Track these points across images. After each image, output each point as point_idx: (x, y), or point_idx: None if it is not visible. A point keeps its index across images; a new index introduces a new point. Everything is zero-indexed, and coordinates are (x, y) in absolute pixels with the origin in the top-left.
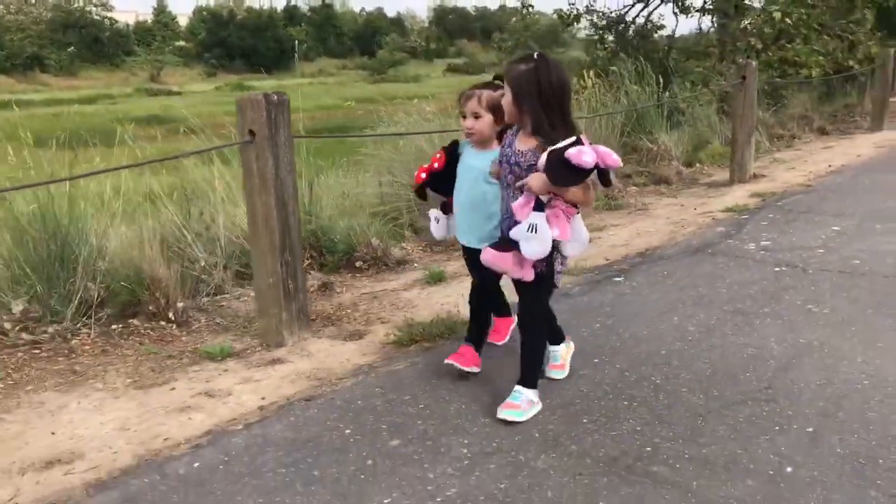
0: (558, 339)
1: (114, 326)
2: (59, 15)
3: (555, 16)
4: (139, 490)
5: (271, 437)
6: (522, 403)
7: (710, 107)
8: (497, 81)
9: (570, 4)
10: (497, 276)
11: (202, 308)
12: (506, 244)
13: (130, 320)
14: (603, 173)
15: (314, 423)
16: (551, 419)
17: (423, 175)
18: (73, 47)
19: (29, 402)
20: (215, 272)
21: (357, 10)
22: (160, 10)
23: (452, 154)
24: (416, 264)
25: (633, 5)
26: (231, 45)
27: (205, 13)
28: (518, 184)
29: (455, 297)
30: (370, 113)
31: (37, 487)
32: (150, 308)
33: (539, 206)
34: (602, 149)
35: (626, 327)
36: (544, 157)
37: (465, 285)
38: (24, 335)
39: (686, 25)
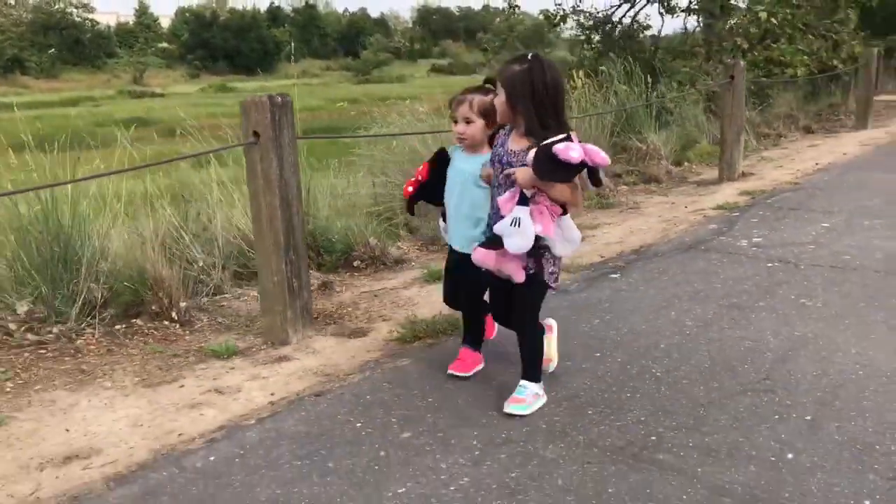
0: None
1: (117, 326)
2: (40, 17)
3: (541, 16)
4: (158, 483)
5: (284, 431)
6: (528, 397)
7: (697, 106)
8: (488, 85)
9: (556, 5)
10: (495, 276)
11: (203, 308)
12: (493, 243)
13: (134, 320)
14: (593, 173)
15: (325, 417)
16: (557, 411)
17: (410, 189)
18: (54, 49)
19: (40, 401)
20: (214, 272)
21: (340, 10)
22: (142, 12)
23: (440, 162)
24: (413, 263)
25: (619, 6)
26: (214, 47)
27: (187, 14)
28: (505, 172)
29: None
30: (363, 114)
31: (57, 482)
32: (154, 308)
33: (523, 201)
34: (590, 147)
35: (624, 322)
36: (533, 151)
37: None
38: (29, 336)
39: (671, 25)
